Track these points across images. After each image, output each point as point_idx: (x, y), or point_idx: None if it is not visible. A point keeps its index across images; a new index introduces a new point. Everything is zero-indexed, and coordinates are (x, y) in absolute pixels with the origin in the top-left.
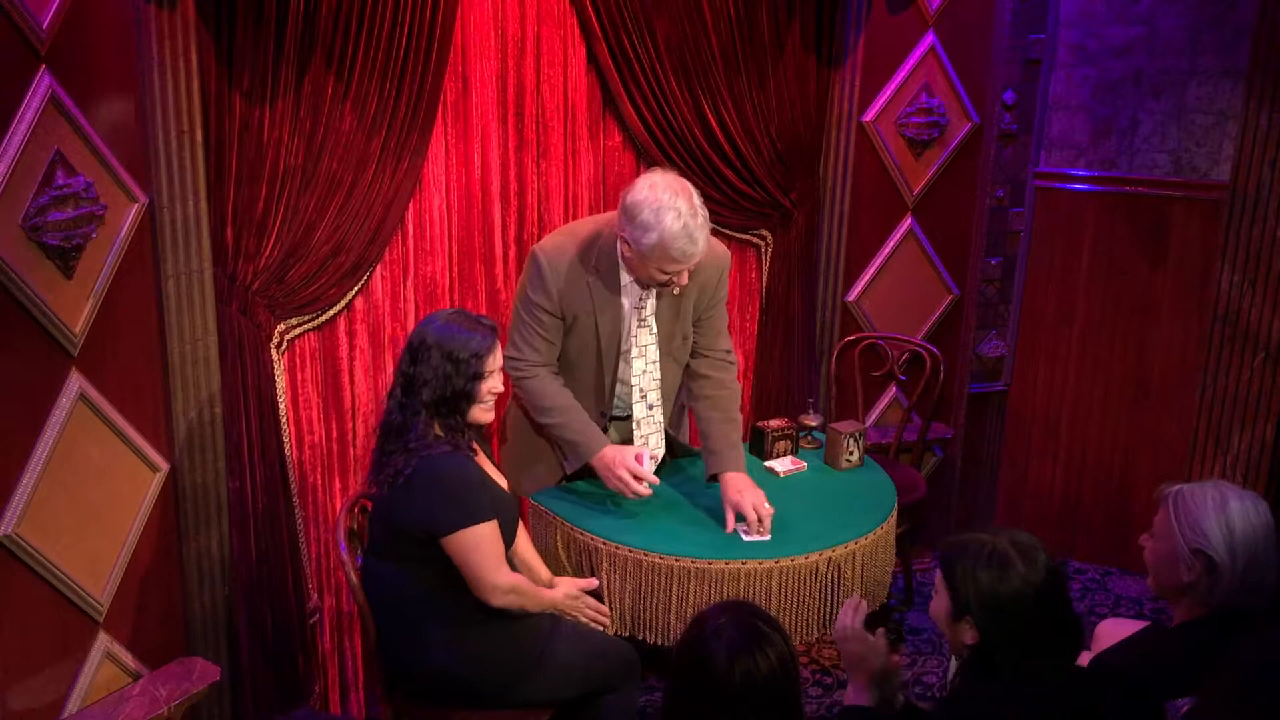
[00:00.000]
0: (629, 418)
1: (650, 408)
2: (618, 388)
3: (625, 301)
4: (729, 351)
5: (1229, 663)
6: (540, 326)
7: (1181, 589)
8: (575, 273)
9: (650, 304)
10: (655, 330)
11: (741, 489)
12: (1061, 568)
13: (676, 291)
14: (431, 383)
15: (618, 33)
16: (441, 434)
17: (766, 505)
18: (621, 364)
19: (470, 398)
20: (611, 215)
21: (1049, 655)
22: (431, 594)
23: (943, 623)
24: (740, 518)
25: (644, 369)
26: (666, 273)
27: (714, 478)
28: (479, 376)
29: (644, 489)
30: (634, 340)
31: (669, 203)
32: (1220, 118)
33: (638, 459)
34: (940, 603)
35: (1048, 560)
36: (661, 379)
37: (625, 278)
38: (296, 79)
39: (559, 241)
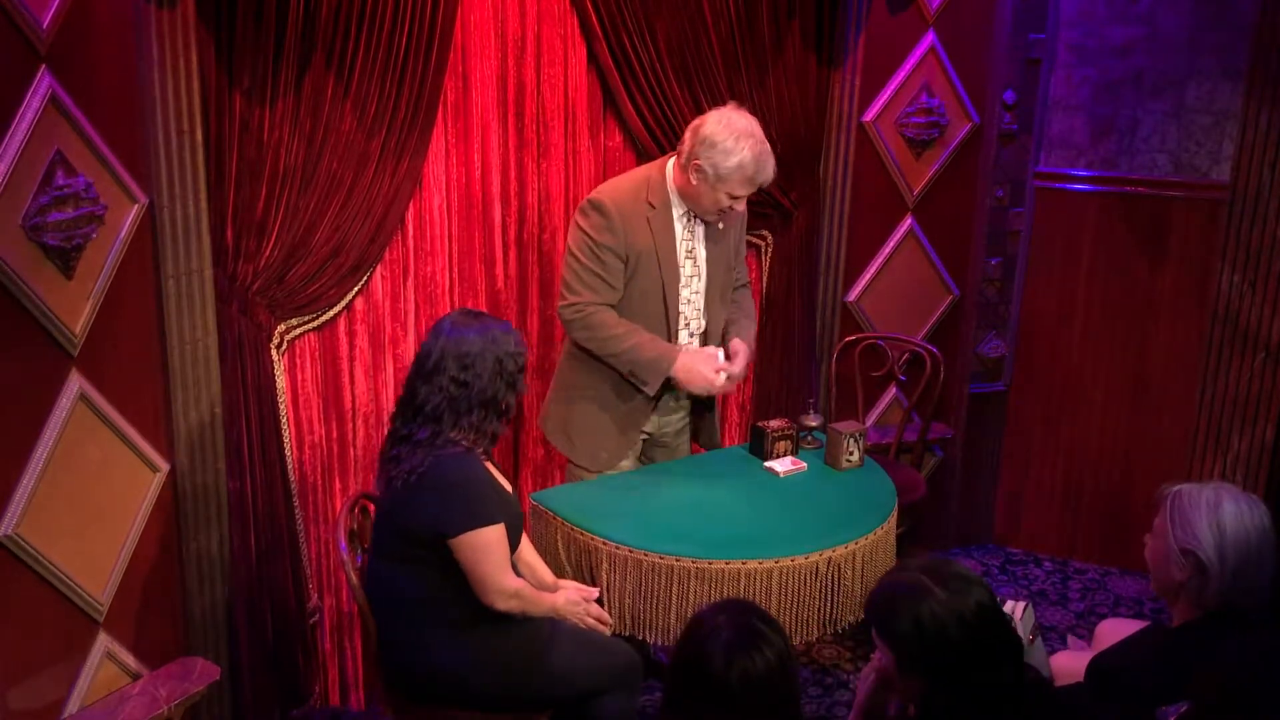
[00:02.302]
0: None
1: (692, 335)
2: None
3: (679, 231)
4: (748, 279)
5: (1216, 666)
6: (604, 269)
7: (1176, 588)
8: (635, 209)
9: (699, 234)
10: (700, 262)
11: (738, 351)
12: (993, 602)
13: (721, 225)
14: (488, 386)
15: (618, 33)
16: (458, 435)
17: (735, 371)
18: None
19: (515, 387)
20: (652, 164)
21: (989, 684)
22: (433, 596)
23: (895, 682)
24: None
25: (688, 298)
26: (735, 197)
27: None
28: (523, 368)
29: (733, 369)
30: (681, 270)
31: (747, 129)
32: (1220, 118)
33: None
34: (885, 658)
35: (981, 592)
36: (711, 316)
37: (678, 210)
38: (296, 79)
39: (615, 184)
